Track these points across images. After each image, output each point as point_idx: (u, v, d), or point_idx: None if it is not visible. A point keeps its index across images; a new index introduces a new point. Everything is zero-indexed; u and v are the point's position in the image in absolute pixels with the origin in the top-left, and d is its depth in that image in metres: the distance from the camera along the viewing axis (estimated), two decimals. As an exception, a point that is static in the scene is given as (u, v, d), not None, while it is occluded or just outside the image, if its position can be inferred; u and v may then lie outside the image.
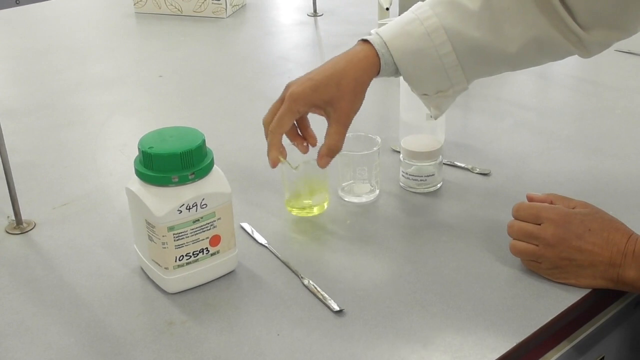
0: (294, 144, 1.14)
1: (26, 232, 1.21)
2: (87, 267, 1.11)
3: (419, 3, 1.12)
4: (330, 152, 1.09)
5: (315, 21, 2.18)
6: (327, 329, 0.97)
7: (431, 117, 1.16)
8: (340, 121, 1.08)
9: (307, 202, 1.18)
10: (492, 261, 1.09)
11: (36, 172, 1.39)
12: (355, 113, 1.09)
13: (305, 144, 1.14)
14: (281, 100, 1.09)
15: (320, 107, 1.08)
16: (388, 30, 1.10)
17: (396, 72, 1.12)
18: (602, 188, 1.26)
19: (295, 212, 1.18)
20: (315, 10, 2.25)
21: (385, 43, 1.09)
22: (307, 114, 1.11)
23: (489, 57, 1.11)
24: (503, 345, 0.95)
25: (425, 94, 1.14)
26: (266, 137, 1.10)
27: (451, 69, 1.11)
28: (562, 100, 1.61)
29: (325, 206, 1.19)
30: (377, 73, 1.10)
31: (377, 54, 1.09)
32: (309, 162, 1.13)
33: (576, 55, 1.12)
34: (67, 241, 1.18)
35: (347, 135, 1.11)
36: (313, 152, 1.15)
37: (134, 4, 2.28)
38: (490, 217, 1.19)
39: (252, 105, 1.65)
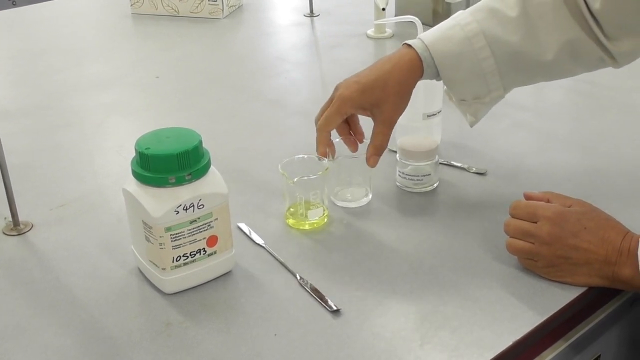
0: (343, 140, 1.19)
1: (23, 233, 1.21)
2: (84, 268, 1.11)
3: (460, 11, 1.16)
4: (376, 151, 1.14)
5: (312, 22, 2.18)
6: (324, 329, 0.97)
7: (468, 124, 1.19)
8: (386, 123, 1.13)
9: (303, 215, 1.18)
10: (488, 260, 1.09)
11: (33, 174, 1.38)
12: (399, 114, 1.14)
13: (353, 139, 1.18)
14: (330, 100, 1.15)
15: (367, 109, 1.13)
16: (430, 35, 1.14)
17: (437, 75, 1.15)
18: (598, 187, 1.25)
19: (291, 222, 1.17)
20: (311, 11, 2.25)
21: (427, 47, 1.12)
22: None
23: (525, 64, 1.14)
24: (499, 344, 0.95)
25: (463, 100, 1.18)
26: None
27: (489, 74, 1.14)
28: (558, 100, 1.61)
29: (325, 220, 1.18)
30: (421, 76, 1.14)
31: (420, 58, 1.12)
32: (307, 178, 1.14)
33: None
34: (64, 242, 1.18)
35: (337, 140, 1.15)
36: (311, 167, 1.16)
37: (131, 5, 2.28)
38: (486, 217, 1.18)
39: (249, 105, 1.64)
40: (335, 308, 1.00)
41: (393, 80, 1.12)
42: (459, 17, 1.14)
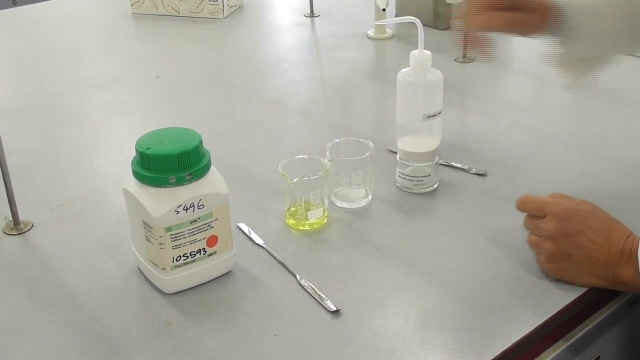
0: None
1: (23, 232, 1.21)
2: (84, 268, 1.11)
3: None
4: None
5: (312, 22, 2.18)
6: (323, 329, 0.97)
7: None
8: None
9: (303, 216, 1.17)
10: (488, 261, 1.08)
11: (33, 173, 1.39)
12: (547, 21, 1.04)
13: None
14: None
15: None
16: None
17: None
18: (597, 188, 1.25)
19: (291, 222, 1.16)
20: (312, 11, 2.25)
21: None
22: None
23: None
24: (499, 345, 0.95)
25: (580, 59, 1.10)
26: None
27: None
28: (558, 101, 1.60)
29: (325, 220, 1.18)
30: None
31: None
32: (307, 178, 1.13)
33: None
34: (65, 242, 1.18)
35: (338, 140, 1.14)
36: (311, 167, 1.16)
37: (131, 5, 2.28)
38: (486, 217, 1.18)
39: (249, 106, 1.64)
40: (335, 308, 1.00)
41: None
42: None
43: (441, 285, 1.05)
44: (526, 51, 1.75)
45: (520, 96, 1.61)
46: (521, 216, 1.08)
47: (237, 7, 2.32)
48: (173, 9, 2.25)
